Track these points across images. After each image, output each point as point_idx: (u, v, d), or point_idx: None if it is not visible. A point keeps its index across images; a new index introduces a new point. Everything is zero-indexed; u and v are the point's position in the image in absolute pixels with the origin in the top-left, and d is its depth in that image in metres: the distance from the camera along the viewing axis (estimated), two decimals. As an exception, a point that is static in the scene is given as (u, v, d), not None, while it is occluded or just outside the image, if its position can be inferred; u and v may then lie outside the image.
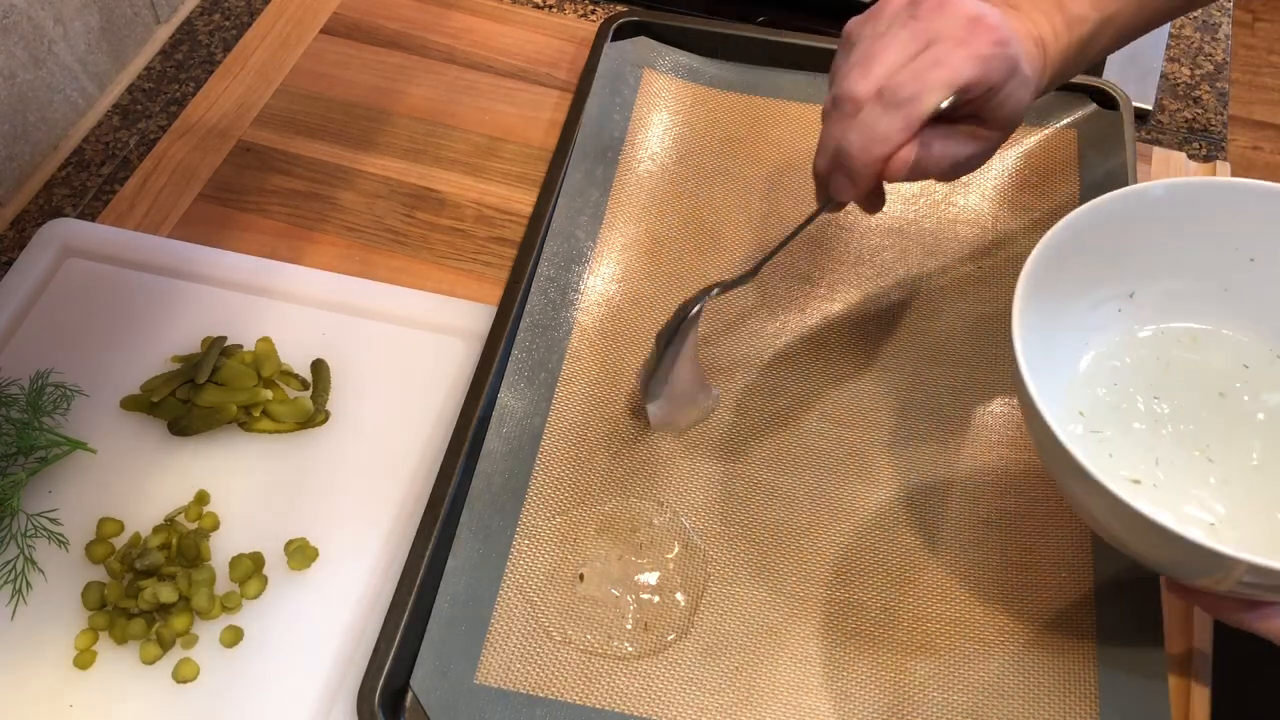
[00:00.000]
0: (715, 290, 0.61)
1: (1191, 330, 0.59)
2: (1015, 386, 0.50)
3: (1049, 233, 0.54)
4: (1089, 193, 0.72)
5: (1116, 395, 0.57)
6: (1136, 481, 0.55)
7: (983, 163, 0.58)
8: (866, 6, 0.82)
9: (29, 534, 0.57)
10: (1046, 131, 0.75)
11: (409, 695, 0.54)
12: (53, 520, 0.58)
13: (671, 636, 0.56)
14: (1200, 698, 0.55)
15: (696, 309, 0.61)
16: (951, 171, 0.56)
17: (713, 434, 0.63)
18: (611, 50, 0.78)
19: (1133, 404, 0.57)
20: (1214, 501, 0.54)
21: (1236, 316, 0.59)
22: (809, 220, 0.60)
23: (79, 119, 0.79)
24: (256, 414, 0.63)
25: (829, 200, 0.58)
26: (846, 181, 0.55)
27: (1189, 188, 0.56)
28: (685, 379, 0.62)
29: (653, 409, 0.61)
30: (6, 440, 0.59)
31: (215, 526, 0.60)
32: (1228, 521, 0.54)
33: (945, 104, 0.52)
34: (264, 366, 0.64)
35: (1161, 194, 0.56)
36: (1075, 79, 0.76)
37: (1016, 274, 0.69)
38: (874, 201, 0.59)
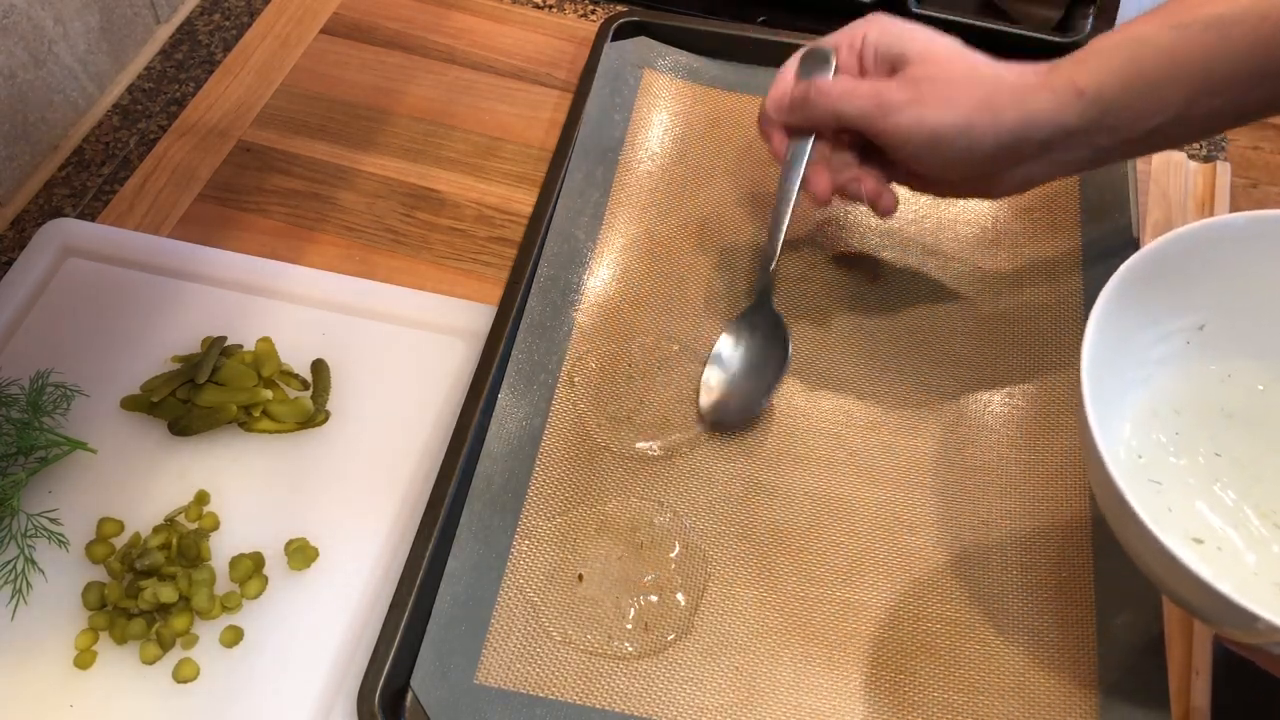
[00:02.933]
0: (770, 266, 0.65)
1: (1260, 372, 0.56)
2: (1079, 426, 0.48)
3: (1126, 264, 0.51)
4: (1089, 192, 0.72)
5: (1178, 444, 0.54)
6: (1199, 540, 0.52)
7: (876, 200, 0.62)
8: (866, 7, 0.83)
9: (29, 534, 0.57)
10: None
11: (409, 695, 0.54)
12: (53, 520, 0.58)
13: (672, 636, 0.56)
14: (1201, 699, 0.55)
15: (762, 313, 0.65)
16: (845, 190, 0.62)
17: (713, 434, 0.63)
18: (611, 50, 0.78)
19: (1194, 456, 0.54)
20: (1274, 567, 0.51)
21: None
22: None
23: (79, 119, 0.79)
24: (256, 414, 0.63)
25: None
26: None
27: (1271, 220, 0.54)
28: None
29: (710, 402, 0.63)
30: (6, 440, 0.59)
31: (215, 526, 0.60)
32: None
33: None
34: (264, 366, 0.64)
35: (1243, 225, 0.54)
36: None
37: (1016, 274, 0.70)
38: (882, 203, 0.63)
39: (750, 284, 0.69)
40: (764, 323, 0.65)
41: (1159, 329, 0.55)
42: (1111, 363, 0.51)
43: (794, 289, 0.69)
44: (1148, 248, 0.52)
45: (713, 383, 0.64)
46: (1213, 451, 0.54)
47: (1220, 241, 0.54)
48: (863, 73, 0.62)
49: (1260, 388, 0.56)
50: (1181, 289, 0.55)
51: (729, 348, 0.65)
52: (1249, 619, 0.42)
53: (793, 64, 0.64)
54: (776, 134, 0.64)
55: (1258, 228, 0.54)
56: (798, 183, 0.63)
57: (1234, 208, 0.74)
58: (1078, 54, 0.57)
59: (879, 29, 0.61)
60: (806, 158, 0.63)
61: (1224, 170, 0.76)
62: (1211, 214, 0.74)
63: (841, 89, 0.60)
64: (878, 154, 0.61)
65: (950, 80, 0.57)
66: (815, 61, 0.63)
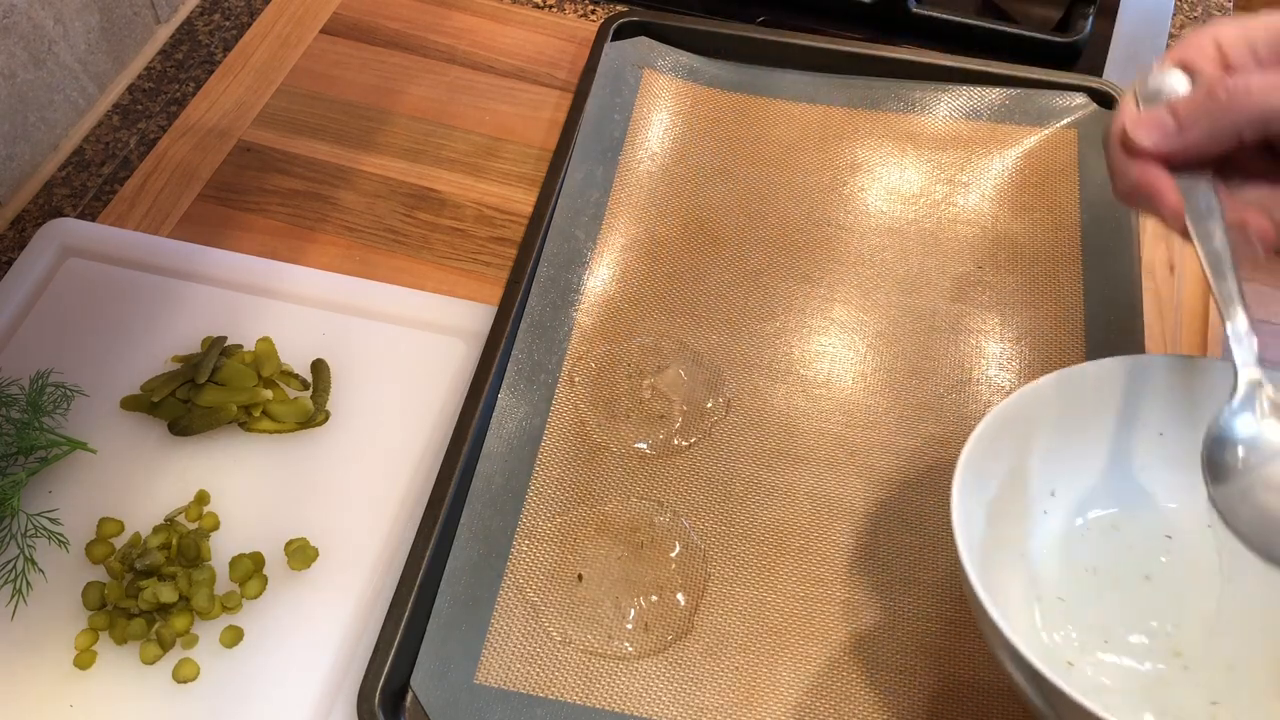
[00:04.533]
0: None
1: (1113, 517, 0.56)
2: (975, 613, 0.47)
3: (965, 448, 0.51)
4: (1089, 192, 0.72)
5: (1065, 608, 0.53)
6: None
7: None
8: (866, 7, 0.83)
9: (29, 534, 0.57)
10: (1046, 131, 0.75)
11: (409, 695, 0.54)
12: (53, 520, 0.58)
13: (672, 636, 0.56)
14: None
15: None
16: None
17: (713, 434, 0.63)
18: (611, 50, 0.78)
19: (1083, 625, 0.53)
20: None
21: (1157, 495, 0.56)
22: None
23: (79, 119, 0.79)
24: (256, 414, 0.63)
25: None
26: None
27: (1076, 376, 0.54)
28: None
29: None
30: (6, 440, 0.59)
31: (215, 526, 0.60)
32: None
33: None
34: (264, 366, 0.64)
35: (1052, 389, 0.53)
36: (1075, 79, 0.76)
37: (1017, 274, 0.69)
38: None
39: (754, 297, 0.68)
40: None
41: (1017, 505, 0.55)
42: (989, 552, 0.51)
43: (793, 289, 0.69)
44: (977, 430, 0.51)
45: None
46: (1102, 612, 0.53)
47: (1038, 409, 0.53)
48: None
49: (1113, 526, 0.56)
50: (1023, 462, 0.54)
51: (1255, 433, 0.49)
52: None
53: (1128, 101, 0.51)
54: (1156, 175, 0.48)
55: (1064, 387, 0.54)
56: (1222, 225, 0.49)
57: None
58: None
59: (1234, 25, 0.49)
60: (1213, 190, 0.49)
61: (1224, 170, 0.76)
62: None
63: (1261, 79, 0.46)
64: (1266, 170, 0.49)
65: None
66: (1163, 87, 0.49)
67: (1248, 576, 0.52)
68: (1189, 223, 0.48)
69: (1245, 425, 0.49)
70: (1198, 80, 0.49)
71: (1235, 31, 0.49)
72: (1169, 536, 0.55)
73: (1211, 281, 0.49)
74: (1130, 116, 0.49)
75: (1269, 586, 0.52)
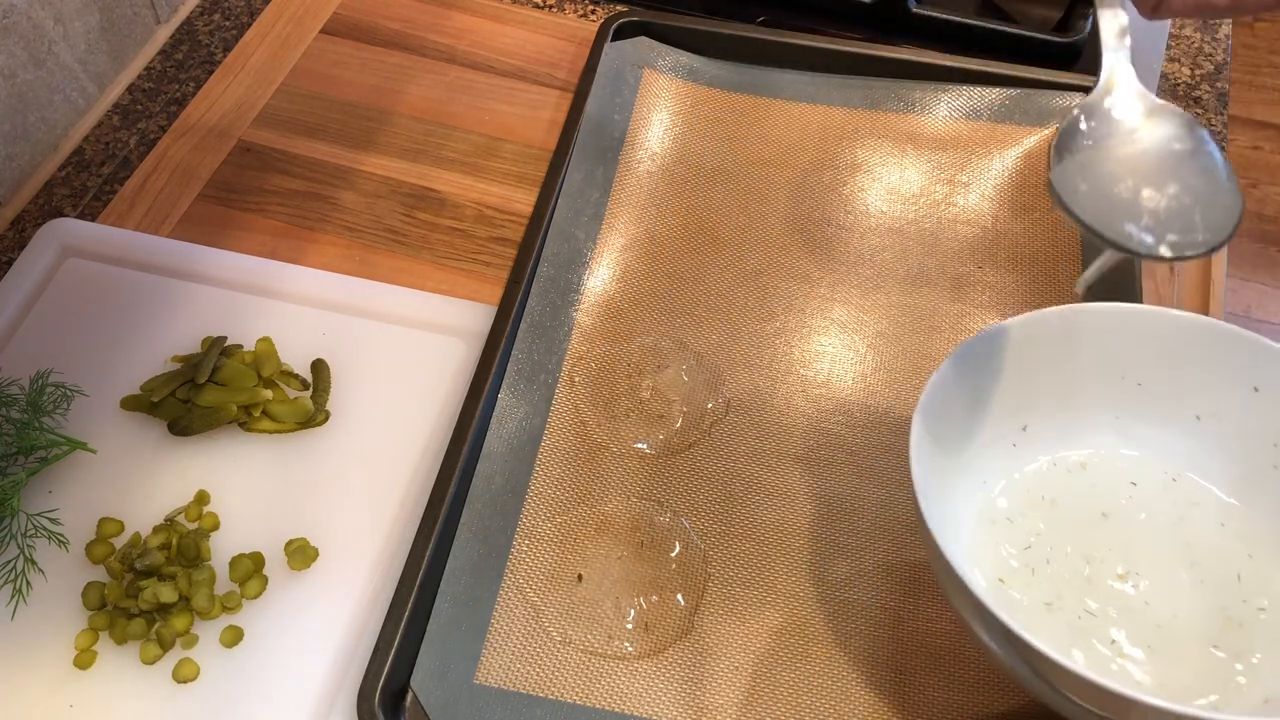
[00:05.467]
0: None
1: (1082, 457, 0.58)
2: (927, 549, 0.49)
3: (936, 373, 0.53)
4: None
5: (1028, 556, 0.55)
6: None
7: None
8: (866, 7, 0.83)
9: (29, 534, 0.57)
10: (1046, 131, 0.75)
11: (409, 695, 0.54)
12: (53, 520, 0.58)
13: (672, 636, 0.56)
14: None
15: None
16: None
17: (713, 434, 0.63)
18: (611, 50, 0.78)
19: (1043, 570, 0.55)
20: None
21: (1128, 443, 0.58)
22: None
23: (79, 119, 0.79)
24: (256, 414, 0.63)
25: None
26: None
27: (1084, 314, 0.56)
28: None
29: None
30: (6, 440, 0.59)
31: (215, 526, 0.60)
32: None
33: None
34: (264, 366, 0.64)
35: (1056, 322, 0.56)
36: (1075, 79, 0.76)
37: (1016, 274, 0.69)
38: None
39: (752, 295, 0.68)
40: (1137, 101, 0.46)
41: (983, 436, 0.56)
42: (948, 483, 0.53)
43: (793, 289, 0.69)
44: (953, 353, 0.54)
45: (1124, 187, 0.43)
46: (1079, 559, 0.55)
47: (1032, 341, 0.56)
48: None
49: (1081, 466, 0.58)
50: (1002, 394, 0.56)
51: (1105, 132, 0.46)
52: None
53: None
54: None
55: (1068, 323, 0.56)
56: None
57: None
58: None
59: None
60: None
61: (1224, 170, 0.76)
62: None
63: None
64: None
65: None
66: None
67: (1200, 524, 0.55)
68: None
69: (1098, 100, 0.47)
70: None
71: None
72: (1134, 484, 0.57)
73: None
74: None
75: (1222, 536, 0.54)
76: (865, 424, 0.63)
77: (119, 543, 0.59)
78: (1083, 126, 0.46)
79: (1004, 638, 0.45)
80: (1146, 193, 0.43)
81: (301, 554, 0.58)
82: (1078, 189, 0.44)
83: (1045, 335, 0.56)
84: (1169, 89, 0.82)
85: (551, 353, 0.65)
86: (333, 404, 0.64)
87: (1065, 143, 0.46)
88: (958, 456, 0.55)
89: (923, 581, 0.58)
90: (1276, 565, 0.53)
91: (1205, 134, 0.44)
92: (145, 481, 0.61)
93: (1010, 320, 0.55)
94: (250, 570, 0.58)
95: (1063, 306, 0.56)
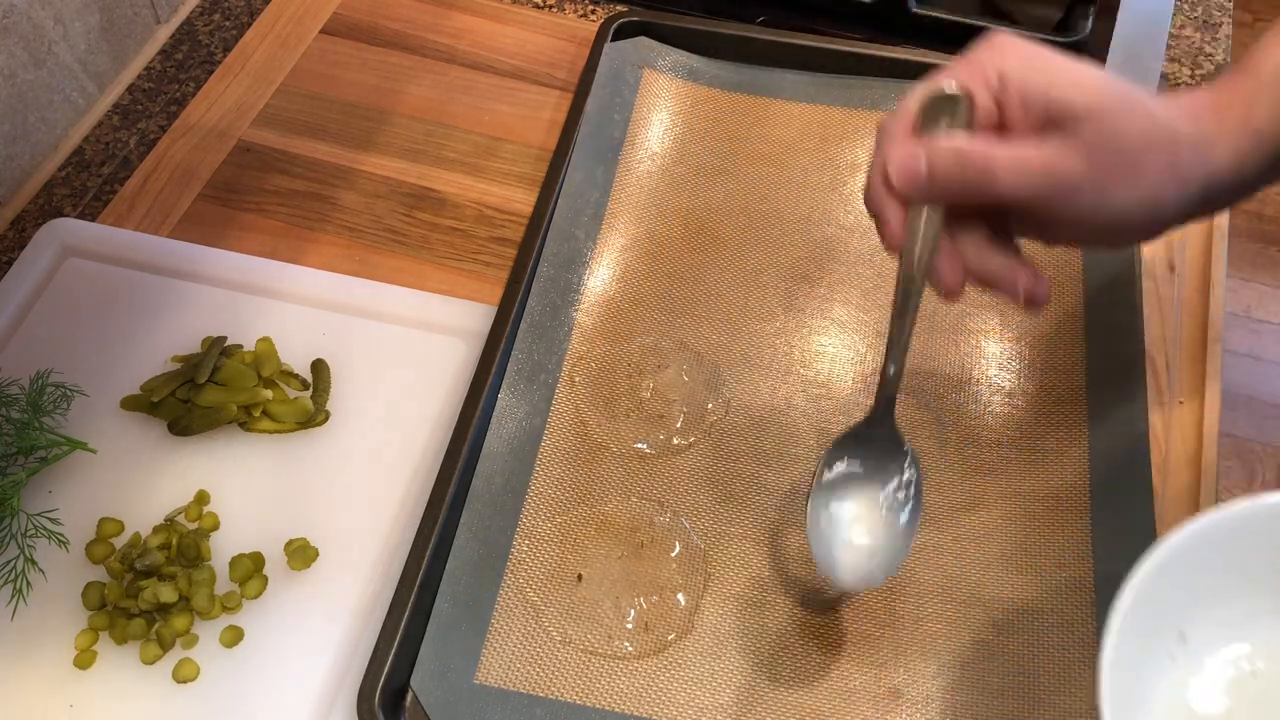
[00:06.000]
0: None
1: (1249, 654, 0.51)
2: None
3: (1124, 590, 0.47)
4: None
5: None
6: None
7: (1033, 295, 0.50)
8: (866, 7, 0.83)
9: (29, 534, 0.57)
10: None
11: (409, 695, 0.54)
12: (53, 520, 0.58)
13: (672, 636, 0.56)
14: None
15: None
16: (989, 281, 0.50)
17: (713, 434, 0.63)
18: (611, 50, 0.78)
19: None
20: None
21: None
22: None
23: (79, 119, 0.79)
24: (256, 414, 0.63)
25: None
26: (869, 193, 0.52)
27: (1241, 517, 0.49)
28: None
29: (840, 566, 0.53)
30: (6, 440, 0.59)
31: (215, 526, 0.60)
32: None
33: (921, 103, 0.50)
34: (264, 366, 0.64)
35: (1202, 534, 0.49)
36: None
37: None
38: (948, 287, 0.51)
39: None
40: (881, 446, 0.54)
41: (1149, 655, 0.50)
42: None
43: (793, 289, 0.69)
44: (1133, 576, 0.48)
45: (835, 535, 0.53)
46: None
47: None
48: (1004, 123, 0.49)
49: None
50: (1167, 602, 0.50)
51: (841, 480, 0.54)
52: None
53: (907, 110, 0.50)
54: (891, 210, 0.50)
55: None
56: (924, 268, 0.50)
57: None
58: (1240, 83, 0.49)
59: (1020, 62, 0.49)
60: (936, 235, 0.49)
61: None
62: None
63: (1009, 163, 0.47)
64: (998, 217, 0.50)
65: (1133, 147, 0.47)
66: (942, 110, 0.49)
67: None
68: (902, 254, 0.50)
69: (859, 429, 0.54)
70: (970, 113, 0.49)
71: (1018, 68, 0.49)
72: None
73: (892, 314, 0.51)
74: (897, 152, 0.49)
75: None
76: (865, 424, 0.63)
77: (119, 543, 0.59)
78: (839, 459, 0.54)
79: None
80: (856, 538, 0.53)
81: (301, 554, 0.58)
82: (818, 520, 0.53)
83: (1199, 547, 0.49)
84: (1169, 89, 0.82)
85: (551, 353, 0.65)
86: (333, 404, 0.64)
87: (826, 463, 0.54)
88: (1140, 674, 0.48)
89: (923, 581, 0.58)
90: None
91: (916, 480, 0.53)
92: (145, 481, 0.61)
93: (1167, 540, 0.48)
94: (250, 570, 0.58)
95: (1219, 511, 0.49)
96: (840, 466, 0.54)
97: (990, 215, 0.50)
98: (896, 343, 0.51)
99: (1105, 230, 0.49)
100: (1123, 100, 0.48)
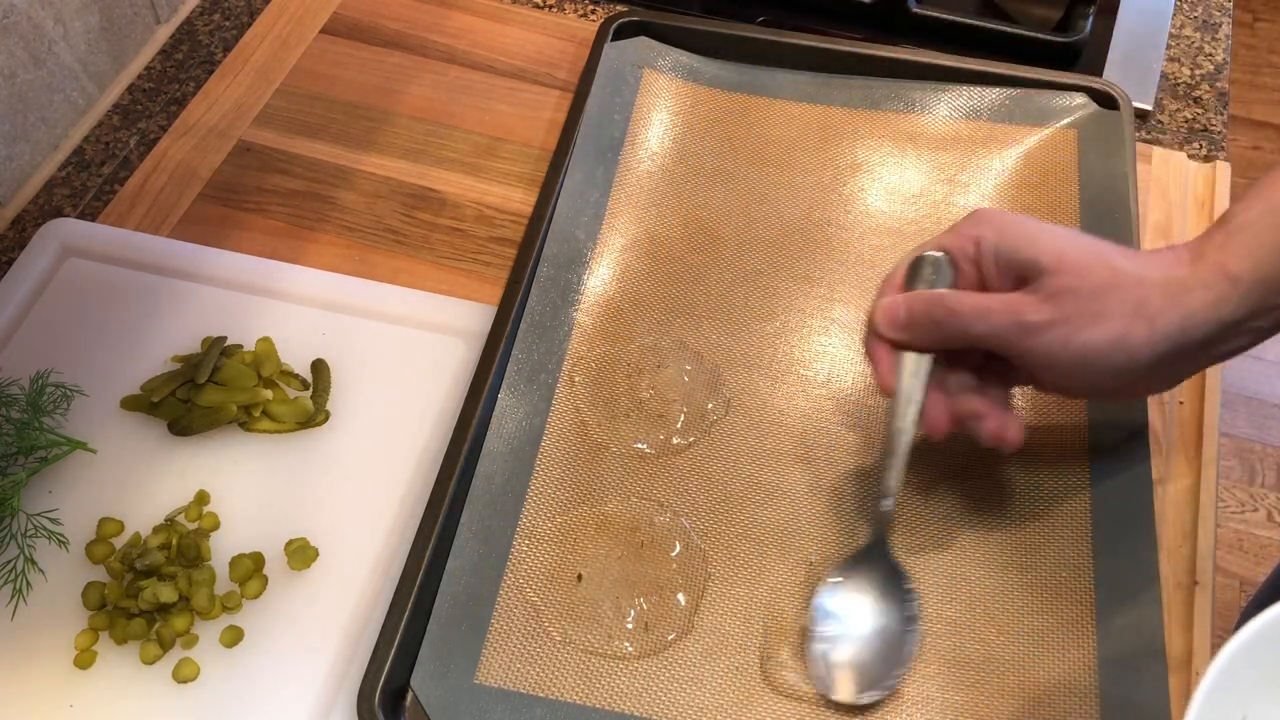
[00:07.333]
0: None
1: None
2: None
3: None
4: (1088, 194, 0.72)
5: None
6: None
7: (1000, 438, 0.55)
8: (866, 7, 0.83)
9: (29, 534, 0.57)
10: (1046, 131, 0.75)
11: (409, 695, 0.54)
12: (53, 520, 0.58)
13: (672, 636, 0.56)
14: (1200, 698, 0.55)
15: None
16: (964, 422, 0.55)
17: (713, 434, 0.63)
18: (611, 50, 0.78)
19: None
20: None
21: None
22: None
23: (79, 119, 0.79)
24: (256, 414, 0.63)
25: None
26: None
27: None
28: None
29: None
30: (6, 440, 0.59)
31: (215, 526, 0.60)
32: None
33: (907, 266, 0.57)
34: (264, 366, 0.64)
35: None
36: (1075, 79, 0.76)
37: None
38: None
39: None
40: (879, 575, 0.56)
41: None
42: None
43: (793, 289, 0.69)
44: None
45: (832, 657, 0.54)
46: None
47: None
48: (983, 283, 0.55)
49: None
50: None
51: (840, 608, 0.55)
52: None
53: (898, 273, 0.57)
54: (882, 352, 0.56)
55: None
56: (916, 412, 0.55)
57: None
58: (1213, 234, 0.53)
59: (995, 231, 0.54)
60: (925, 381, 0.55)
61: (1224, 170, 0.76)
62: (1211, 215, 0.74)
63: (973, 306, 0.53)
64: (999, 362, 0.55)
65: (1094, 291, 0.51)
66: (927, 270, 0.56)
67: None
68: (895, 396, 0.55)
69: (854, 561, 0.57)
70: (952, 274, 0.56)
71: (993, 234, 0.54)
72: None
73: (885, 455, 0.56)
74: (882, 301, 0.56)
75: None
76: (865, 424, 0.63)
77: (119, 543, 0.59)
78: (836, 583, 0.56)
79: None
80: (860, 664, 0.55)
81: (301, 554, 0.58)
82: (823, 657, 0.55)
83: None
84: (1169, 89, 0.82)
85: (551, 353, 0.65)
86: (333, 404, 0.64)
87: (829, 590, 0.56)
88: None
89: (923, 582, 0.58)
90: None
91: (915, 612, 0.56)
92: (145, 481, 0.61)
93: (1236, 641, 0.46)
94: (250, 570, 0.58)
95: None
96: (839, 596, 0.56)
97: (987, 367, 0.56)
98: (889, 477, 0.56)
99: (1080, 370, 0.52)
100: (1088, 253, 0.53)
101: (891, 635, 0.55)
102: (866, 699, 0.54)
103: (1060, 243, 0.53)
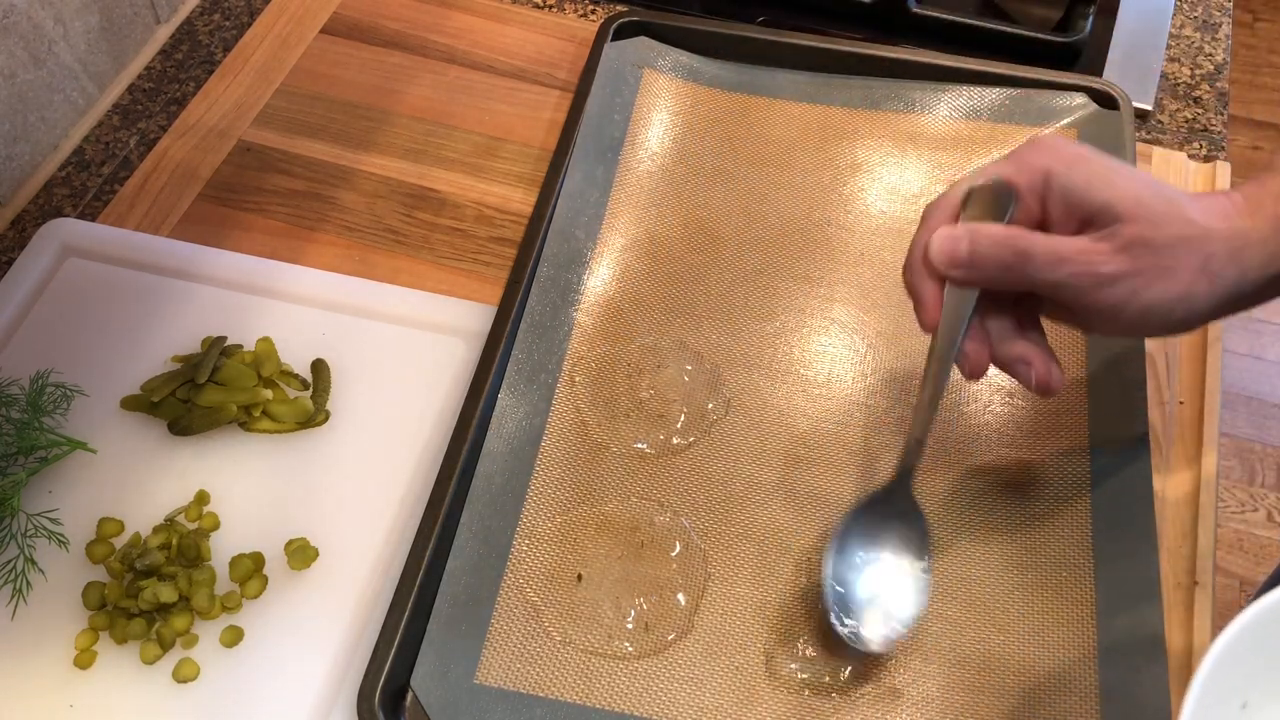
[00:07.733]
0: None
1: None
2: None
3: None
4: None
5: None
6: None
7: (1046, 385, 0.52)
8: (866, 7, 0.83)
9: (29, 534, 0.57)
10: (1046, 131, 0.75)
11: (409, 695, 0.54)
12: (53, 520, 0.58)
13: (672, 636, 0.56)
14: (1200, 698, 0.55)
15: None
16: (1007, 365, 0.53)
17: (713, 434, 0.63)
18: (611, 50, 0.78)
19: None
20: None
21: None
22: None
23: (79, 119, 0.79)
24: (256, 414, 0.63)
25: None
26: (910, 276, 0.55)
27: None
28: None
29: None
30: (6, 440, 0.59)
31: (215, 526, 0.60)
32: None
33: (968, 192, 0.53)
34: (264, 366, 0.64)
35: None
36: (1075, 79, 0.76)
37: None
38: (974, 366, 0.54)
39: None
40: (898, 511, 0.56)
41: None
42: None
43: (793, 289, 0.69)
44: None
45: (850, 595, 0.54)
46: None
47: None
48: (1045, 218, 0.52)
49: None
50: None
51: (859, 545, 0.55)
52: None
53: (952, 198, 0.53)
54: (929, 290, 0.53)
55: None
56: (955, 351, 0.52)
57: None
58: (1266, 181, 0.51)
59: (1066, 166, 0.51)
60: (968, 320, 0.52)
61: (1224, 170, 0.76)
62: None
63: (1046, 251, 0.50)
64: (1031, 297, 0.53)
65: (1168, 244, 0.49)
66: (986, 202, 0.52)
67: None
68: (935, 334, 0.53)
69: (877, 494, 0.57)
70: (1014, 206, 0.52)
71: (1063, 168, 0.51)
72: None
73: (920, 389, 0.54)
74: (940, 232, 0.52)
75: None
76: (865, 424, 0.63)
77: (119, 543, 0.59)
78: (857, 526, 0.56)
79: None
80: (877, 601, 0.55)
81: (301, 554, 0.58)
82: (833, 587, 0.55)
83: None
84: (1169, 89, 0.82)
85: (551, 353, 0.65)
86: (333, 404, 0.64)
87: (847, 526, 0.56)
88: None
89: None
90: None
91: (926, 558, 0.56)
92: (145, 481, 0.61)
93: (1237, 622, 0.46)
94: (250, 570, 0.58)
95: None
96: (858, 533, 0.56)
97: (1022, 302, 0.53)
98: (922, 416, 0.54)
99: (1138, 323, 0.51)
100: (1162, 200, 0.50)
101: (907, 577, 0.55)
102: (878, 644, 0.54)
103: (1137, 187, 0.50)
